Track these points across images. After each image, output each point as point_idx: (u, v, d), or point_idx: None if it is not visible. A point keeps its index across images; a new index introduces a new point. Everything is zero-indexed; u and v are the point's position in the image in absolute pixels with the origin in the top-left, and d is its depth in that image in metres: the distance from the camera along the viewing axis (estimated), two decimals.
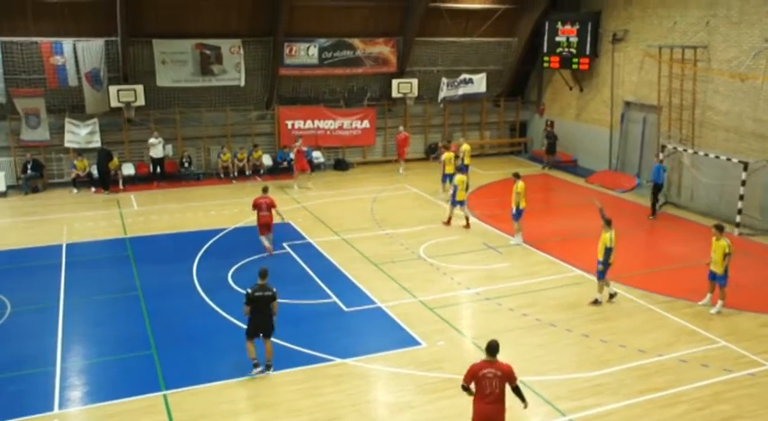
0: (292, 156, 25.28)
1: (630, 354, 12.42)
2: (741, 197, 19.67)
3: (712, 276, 14.30)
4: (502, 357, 8.96)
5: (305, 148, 25.32)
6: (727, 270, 14.10)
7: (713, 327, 13.48)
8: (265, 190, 17.93)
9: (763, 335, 13.28)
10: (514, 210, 18.43)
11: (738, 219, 19.77)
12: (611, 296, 14.75)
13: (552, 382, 11.45)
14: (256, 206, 17.49)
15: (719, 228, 14.24)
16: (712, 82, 21.64)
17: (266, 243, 17.49)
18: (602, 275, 14.56)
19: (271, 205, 17.47)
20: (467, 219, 19.95)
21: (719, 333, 13.24)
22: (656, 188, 21.38)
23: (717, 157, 20.67)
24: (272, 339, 11.74)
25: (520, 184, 18.38)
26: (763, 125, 20.04)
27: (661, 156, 22.04)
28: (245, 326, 11.71)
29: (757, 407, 10.75)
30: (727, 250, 13.94)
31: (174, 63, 24.93)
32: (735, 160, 19.95)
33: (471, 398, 8.83)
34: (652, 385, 11.36)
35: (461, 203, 19.83)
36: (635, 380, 11.52)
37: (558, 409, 10.65)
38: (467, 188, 20.17)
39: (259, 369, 11.58)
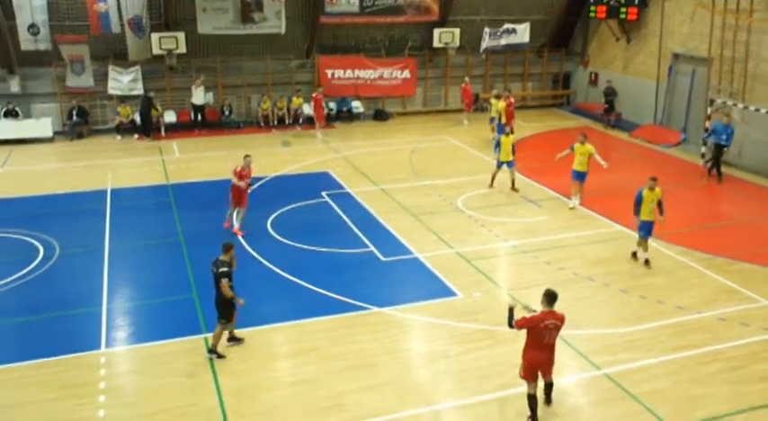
0: (311, 106, 25.23)
1: (668, 311, 12.33)
2: None
3: None
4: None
5: (322, 96, 25.26)
6: None
7: (755, 286, 13.25)
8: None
9: None
10: (584, 172, 17.41)
11: None
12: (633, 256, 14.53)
13: (588, 336, 11.45)
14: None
15: None
16: (767, 33, 20.77)
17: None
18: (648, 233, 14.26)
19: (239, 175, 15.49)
20: (513, 181, 18.94)
21: (761, 292, 13.02)
22: (718, 149, 20.31)
23: None
24: (311, 286, 11.74)
25: (589, 146, 17.28)
26: None
27: (726, 116, 20.57)
28: (281, 273, 11.91)
29: None
30: None
31: (215, 10, 24.85)
32: None
33: (503, 347, 8.96)
34: (688, 342, 11.28)
35: (509, 164, 18.79)
36: (671, 337, 11.46)
37: (593, 363, 10.68)
38: (513, 150, 18.78)
39: (229, 343, 11.12)
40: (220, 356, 10.79)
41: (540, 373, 9.25)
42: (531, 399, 9.18)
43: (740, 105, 21.13)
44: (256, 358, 10.83)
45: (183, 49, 24.68)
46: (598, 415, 9.51)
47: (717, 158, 20.39)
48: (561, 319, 9.08)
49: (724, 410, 9.55)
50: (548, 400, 9.57)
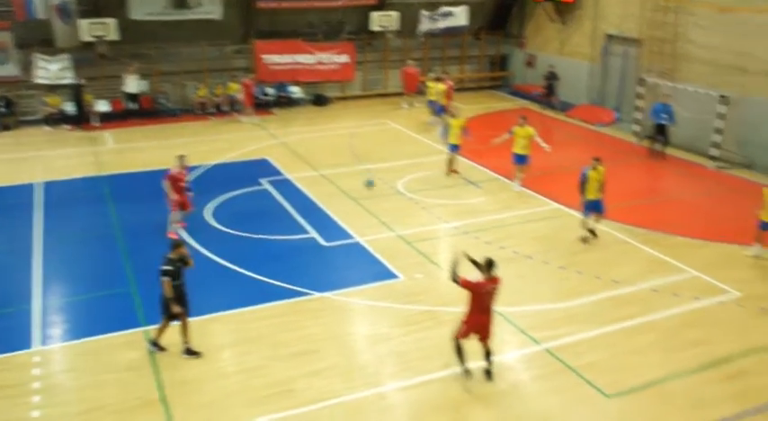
0: (240, 94, 24.87)
1: (605, 285, 12.68)
2: (718, 131, 19.76)
3: (764, 226, 13.66)
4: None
5: (253, 82, 24.98)
6: None
7: (686, 259, 13.74)
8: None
9: (731, 264, 13.60)
10: (524, 155, 17.48)
11: (714, 152, 19.92)
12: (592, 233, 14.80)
13: (528, 313, 11.69)
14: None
15: None
16: (694, 14, 21.40)
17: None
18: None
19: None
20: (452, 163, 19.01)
21: (690, 264, 13.51)
22: (659, 129, 20.66)
23: (695, 91, 20.63)
24: (253, 274, 11.60)
25: (529, 128, 17.35)
26: (742, 58, 19.96)
27: (665, 96, 21.04)
28: (223, 262, 11.76)
29: (724, 332, 11.09)
30: None
31: None
32: (715, 94, 19.94)
33: (445, 327, 9.18)
34: (624, 314, 11.64)
35: (456, 147, 18.71)
36: (608, 310, 11.80)
37: (533, 338, 10.91)
38: (465, 132, 18.70)
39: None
40: (162, 349, 10.59)
41: (478, 337, 9.65)
42: (459, 348, 9.71)
43: (669, 84, 21.75)
44: (199, 348, 10.65)
45: (114, 35, 23.97)
46: (539, 389, 9.73)
47: (656, 137, 20.82)
48: (498, 283, 9.62)
49: (657, 376, 9.91)
50: (488, 374, 9.76)
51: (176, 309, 10.22)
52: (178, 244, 10.48)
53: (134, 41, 25.12)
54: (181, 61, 26.03)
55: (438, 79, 24.27)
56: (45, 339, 10.97)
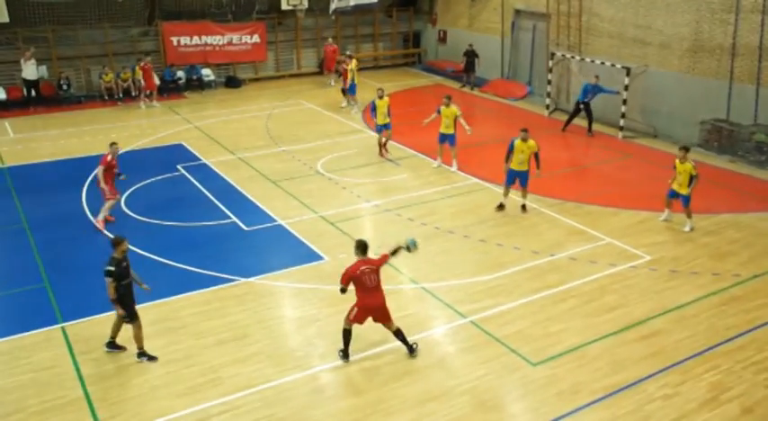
0: (142, 76, 23.98)
1: (524, 256, 13.02)
2: (624, 102, 20.53)
3: (672, 194, 14.16)
4: (404, 267, 9.22)
5: (151, 65, 24.21)
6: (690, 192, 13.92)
7: (600, 226, 14.28)
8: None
9: (643, 230, 14.21)
10: (450, 135, 17.35)
11: (622, 122, 20.71)
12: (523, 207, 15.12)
13: (452, 287, 11.89)
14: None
15: (686, 150, 13.94)
16: None
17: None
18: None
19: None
20: (384, 144, 18.80)
21: (605, 231, 14.05)
22: (583, 106, 20.76)
23: (602, 63, 21.33)
24: (174, 263, 11.34)
25: (454, 108, 17.23)
26: (643, 31, 20.77)
27: (595, 77, 20.79)
28: (142, 253, 11.39)
29: (639, 295, 11.61)
30: (693, 172, 13.74)
31: None
32: (618, 66, 20.67)
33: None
34: (545, 283, 12.01)
35: (386, 126, 18.50)
36: (529, 280, 12.14)
37: (459, 312, 11.12)
38: (389, 112, 18.50)
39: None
40: (152, 358, 9.96)
41: (377, 320, 9.78)
42: (348, 334, 9.81)
43: (577, 57, 22.40)
44: (123, 340, 10.24)
45: (4, 17, 22.59)
46: (466, 360, 9.93)
47: (576, 113, 21.00)
48: (375, 263, 9.73)
49: (579, 341, 10.29)
50: (410, 350, 9.92)
51: (120, 311, 9.75)
52: (120, 240, 9.84)
53: (28, 24, 23.78)
54: (82, 45, 24.89)
55: (350, 57, 24.12)
56: None
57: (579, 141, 20.64)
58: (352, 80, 23.37)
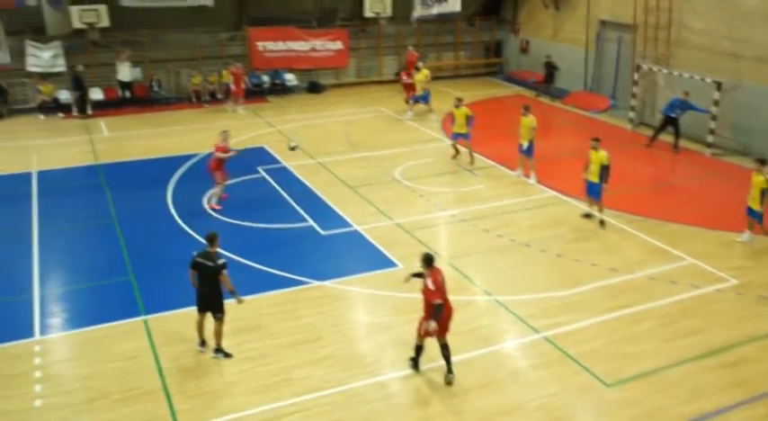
0: (232, 80, 24.42)
1: (602, 273, 12.73)
2: (714, 117, 19.80)
3: (750, 212, 13.77)
4: (478, 278, 9.21)
5: (242, 70, 24.74)
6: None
7: (682, 246, 13.81)
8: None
9: (729, 252, 13.68)
10: (526, 146, 17.23)
11: (710, 139, 19.97)
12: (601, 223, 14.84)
13: (526, 301, 11.73)
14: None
15: (762, 163, 13.54)
16: (689, 0, 21.38)
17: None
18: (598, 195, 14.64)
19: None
20: (469, 154, 18.76)
21: (688, 251, 13.57)
22: (667, 121, 20.21)
23: (691, 77, 20.64)
24: (251, 263, 11.67)
25: (531, 119, 17.10)
26: (737, 44, 19.97)
27: (685, 93, 20.03)
28: (221, 251, 11.67)
29: (722, 320, 11.16)
30: (765, 185, 13.37)
31: None
32: (708, 80, 19.97)
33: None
34: (622, 302, 11.70)
35: (464, 136, 18.44)
36: (605, 298, 11.86)
37: (532, 327, 10.97)
38: (469, 121, 18.38)
39: (202, 348, 10.40)
40: (227, 355, 10.24)
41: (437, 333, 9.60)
42: (420, 349, 9.75)
43: (664, 70, 21.76)
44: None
45: (105, 22, 23.76)
46: (538, 377, 9.79)
47: (663, 128, 20.37)
48: (441, 273, 9.61)
49: (656, 365, 9.97)
50: (449, 370, 9.68)
51: (239, 298, 10.09)
52: (215, 235, 10.14)
53: (126, 28, 24.90)
54: (174, 48, 25.86)
55: (418, 69, 24.14)
56: (45, 329, 10.97)
57: (664, 157, 20.01)
58: (424, 90, 23.50)
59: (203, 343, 10.41)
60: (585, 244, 14.02)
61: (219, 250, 10.09)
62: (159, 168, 18.41)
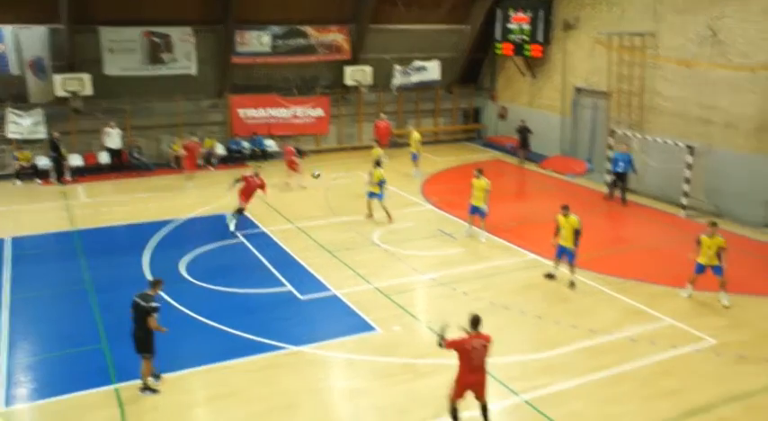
0: (182, 151, 24.26)
1: (582, 335, 12.67)
2: (687, 180, 20.17)
3: (700, 269, 14.11)
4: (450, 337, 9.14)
5: (198, 144, 24.80)
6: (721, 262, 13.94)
7: (661, 307, 13.83)
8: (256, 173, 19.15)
9: (707, 312, 13.70)
10: (483, 208, 17.59)
11: (684, 201, 20.29)
12: (572, 284, 14.92)
13: (506, 364, 11.59)
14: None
15: (714, 225, 13.99)
16: (660, 68, 22.07)
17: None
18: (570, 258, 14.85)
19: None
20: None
21: (667, 311, 13.59)
22: (618, 176, 21.47)
23: (664, 142, 21.13)
24: (228, 329, 11.52)
25: (485, 181, 17.53)
26: (707, 110, 20.55)
27: (625, 146, 21.80)
28: (197, 317, 11.58)
29: (703, 380, 11.09)
30: (723, 245, 13.80)
31: (122, 51, 24.37)
32: (681, 144, 20.43)
33: (425, 380, 9.04)
34: (601, 363, 11.61)
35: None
36: (585, 360, 11.76)
37: (512, 390, 10.81)
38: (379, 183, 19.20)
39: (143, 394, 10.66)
40: (154, 391, 10.53)
41: (474, 395, 9.46)
42: (455, 412, 9.46)
43: (638, 136, 22.26)
44: (173, 405, 10.40)
45: (88, 90, 23.98)
46: None
47: (615, 184, 21.58)
48: (488, 339, 9.39)
49: None
50: None
51: (163, 328, 10.61)
52: (160, 281, 10.91)
53: (109, 96, 25.11)
54: (155, 115, 26.11)
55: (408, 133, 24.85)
56: (10, 399, 10.61)
57: (640, 219, 20.25)
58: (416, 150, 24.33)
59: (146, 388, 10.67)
60: (565, 306, 14.00)
61: (193, 314, 9.97)
62: (136, 234, 18.28)
